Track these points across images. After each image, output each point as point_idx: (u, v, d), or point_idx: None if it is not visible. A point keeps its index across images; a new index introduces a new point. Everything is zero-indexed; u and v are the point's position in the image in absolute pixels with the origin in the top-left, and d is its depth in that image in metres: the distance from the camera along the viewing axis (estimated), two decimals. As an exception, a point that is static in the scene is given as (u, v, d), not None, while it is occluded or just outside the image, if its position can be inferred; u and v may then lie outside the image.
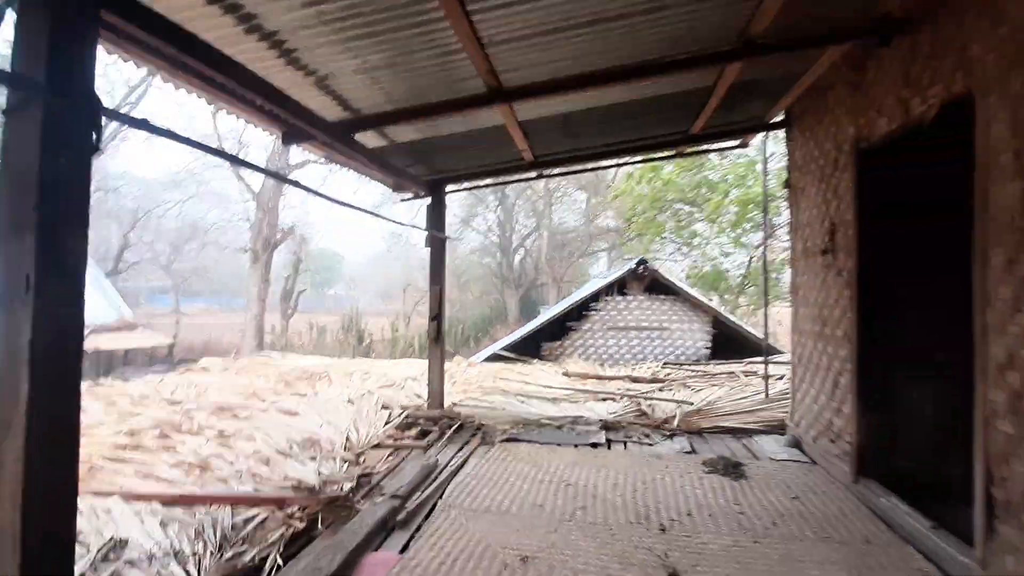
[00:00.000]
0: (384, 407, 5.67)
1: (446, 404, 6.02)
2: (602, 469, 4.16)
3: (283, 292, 26.25)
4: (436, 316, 5.58)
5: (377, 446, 4.77)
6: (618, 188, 16.01)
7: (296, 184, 4.03)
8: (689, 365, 8.89)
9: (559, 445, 4.83)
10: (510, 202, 30.86)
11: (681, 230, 15.48)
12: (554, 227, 30.83)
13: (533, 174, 6.16)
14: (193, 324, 32.55)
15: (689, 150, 5.99)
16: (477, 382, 7.71)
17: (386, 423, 5.25)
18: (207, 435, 4.51)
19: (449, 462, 4.38)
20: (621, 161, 6.10)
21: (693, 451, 4.66)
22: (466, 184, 6.19)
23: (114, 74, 23.73)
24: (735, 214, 13.82)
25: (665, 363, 9.05)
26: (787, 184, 5.26)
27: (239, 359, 8.55)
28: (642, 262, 9.77)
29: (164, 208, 29.99)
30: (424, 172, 5.57)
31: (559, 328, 10.17)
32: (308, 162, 23.37)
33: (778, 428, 5.20)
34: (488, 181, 6.42)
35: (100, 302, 19.68)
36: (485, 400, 6.37)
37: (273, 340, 24.67)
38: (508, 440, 4.99)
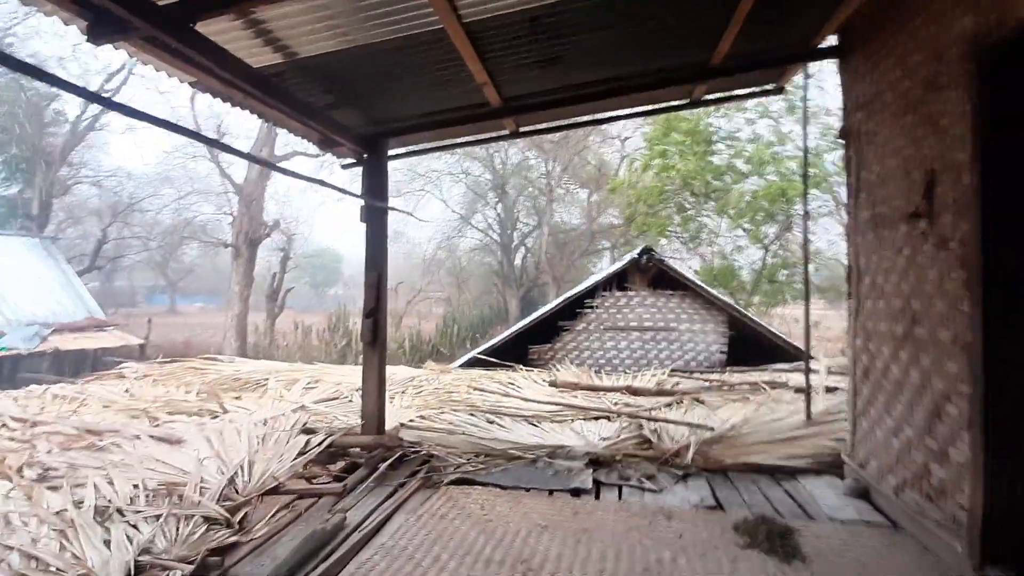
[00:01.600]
0: (306, 430, 4.32)
1: (391, 426, 4.66)
2: (583, 538, 2.79)
3: (269, 291, 25.00)
4: (372, 312, 4.22)
5: (274, 490, 3.42)
6: (620, 180, 14.62)
7: (260, 160, 2.69)
8: (702, 373, 7.50)
9: (528, 491, 3.46)
10: (511, 199, 29.76)
11: (688, 223, 14.07)
12: (556, 225, 29.72)
13: (506, 130, 4.80)
14: (187, 324, 31.48)
15: (708, 96, 4.61)
16: (446, 394, 6.36)
17: (299, 454, 3.90)
18: (20, 478, 3.17)
19: (364, 521, 3.02)
20: (620, 112, 4.74)
21: (717, 505, 3.27)
22: (416, 145, 4.83)
23: (90, 61, 22.62)
24: (747, 204, 12.41)
25: (672, 370, 7.66)
26: (843, 134, 3.88)
27: (167, 364, 7.23)
28: (646, 251, 8.37)
29: (157, 204, 28.67)
30: (357, 122, 4.22)
31: (550, 328, 8.79)
32: (296, 154, 22.14)
33: (831, 466, 3.81)
34: (447, 141, 5.02)
35: (67, 300, 18.57)
36: (445, 419, 5.01)
37: (257, 340, 23.53)
38: (459, 482, 3.62)
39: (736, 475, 3.79)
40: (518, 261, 30.52)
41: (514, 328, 8.77)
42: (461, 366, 8.63)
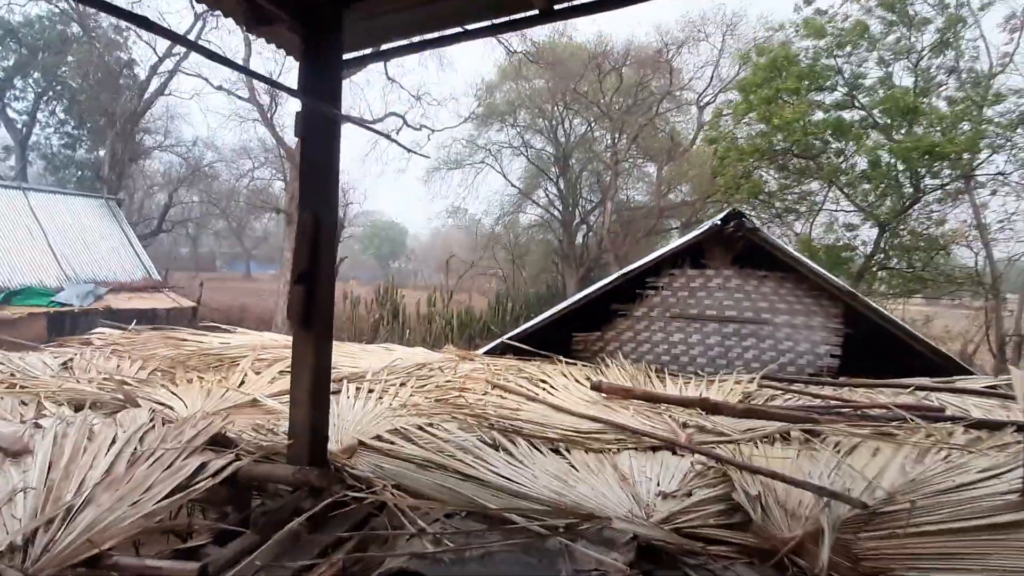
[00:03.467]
0: (214, 445, 2.93)
1: (347, 443, 3.21)
2: None
3: (322, 259, 24.72)
4: (306, 275, 2.70)
5: (90, 563, 2.04)
6: (716, 133, 12.22)
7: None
8: (806, 384, 5.52)
9: (515, 615, 1.86)
10: (573, 174, 28.01)
11: (785, 192, 11.59)
12: (620, 202, 27.71)
13: (534, 8, 3.07)
14: (257, 290, 32.34)
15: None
16: (455, 391, 4.86)
17: (178, 489, 2.50)
18: None
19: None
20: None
21: None
22: (397, 40, 3.19)
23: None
24: (872, 169, 9.82)
25: (764, 377, 5.72)
26: None
27: (144, 332, 6.23)
28: (734, 216, 6.36)
29: (234, 172, 28.94)
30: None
31: (602, 312, 7.05)
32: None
33: None
34: (441, 32, 3.32)
35: (126, 261, 18.89)
36: (428, 438, 3.49)
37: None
38: (401, 575, 2.08)
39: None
40: (579, 239, 28.99)
41: (554, 309, 7.10)
42: (489, 352, 7.11)
